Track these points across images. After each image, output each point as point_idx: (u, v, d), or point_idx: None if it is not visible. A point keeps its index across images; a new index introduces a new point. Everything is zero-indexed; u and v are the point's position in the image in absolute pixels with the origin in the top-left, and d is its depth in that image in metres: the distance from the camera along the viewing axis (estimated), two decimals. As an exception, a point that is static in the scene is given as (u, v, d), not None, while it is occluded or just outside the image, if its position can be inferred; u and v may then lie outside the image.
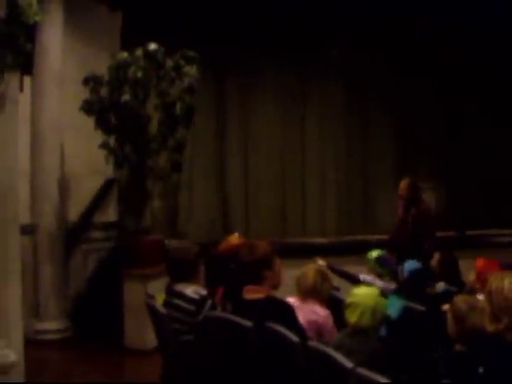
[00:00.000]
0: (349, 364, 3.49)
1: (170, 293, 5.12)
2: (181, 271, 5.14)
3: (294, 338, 3.98)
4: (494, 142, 11.17)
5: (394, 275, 6.52)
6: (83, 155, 8.91)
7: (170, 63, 7.90)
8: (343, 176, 11.21)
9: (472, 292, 5.34)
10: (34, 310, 8.21)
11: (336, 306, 5.03)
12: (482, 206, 11.13)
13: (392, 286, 6.19)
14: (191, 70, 7.91)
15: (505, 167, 11.21)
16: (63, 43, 8.55)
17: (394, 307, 5.26)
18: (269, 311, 4.38)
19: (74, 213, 8.91)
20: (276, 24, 10.28)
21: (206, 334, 4.69)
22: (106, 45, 9.12)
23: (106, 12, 9.29)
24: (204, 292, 5.08)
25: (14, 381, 5.39)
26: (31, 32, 5.36)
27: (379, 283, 6.33)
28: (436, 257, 6.35)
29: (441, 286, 5.89)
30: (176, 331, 4.91)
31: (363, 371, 3.44)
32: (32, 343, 6.63)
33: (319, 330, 4.72)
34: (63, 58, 8.56)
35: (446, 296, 5.40)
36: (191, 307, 4.94)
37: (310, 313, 4.78)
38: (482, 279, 5.39)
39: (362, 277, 6.64)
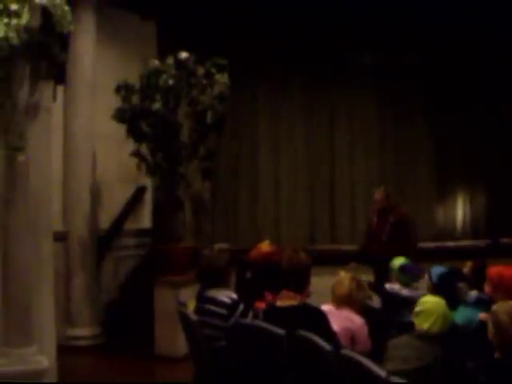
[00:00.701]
0: (382, 373, 3.46)
1: (202, 299, 5.14)
2: (212, 278, 5.17)
3: (327, 346, 3.96)
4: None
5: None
6: (115, 163, 8.99)
7: (201, 71, 7.92)
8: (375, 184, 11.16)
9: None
10: (66, 316, 8.27)
11: (369, 315, 5.01)
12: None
13: (418, 293, 6.14)
14: (222, 78, 7.92)
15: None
16: (95, 52, 8.64)
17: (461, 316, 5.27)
18: (302, 318, 4.39)
19: (106, 220, 8.97)
20: (306, 33, 10.30)
21: (238, 340, 4.69)
22: (138, 53, 9.20)
23: (138, 21, 9.38)
24: (235, 296, 5.09)
25: (46, 387, 5.43)
26: (64, 41, 5.40)
27: (405, 292, 6.30)
28: (469, 265, 6.28)
29: (474, 294, 5.81)
30: (208, 337, 4.92)
31: (396, 380, 3.42)
32: (64, 349, 6.66)
33: (353, 338, 4.69)
34: (95, 66, 8.65)
35: (480, 304, 5.35)
36: (223, 311, 4.96)
37: (345, 320, 4.76)
38: (501, 289, 5.29)
39: (389, 286, 6.61)
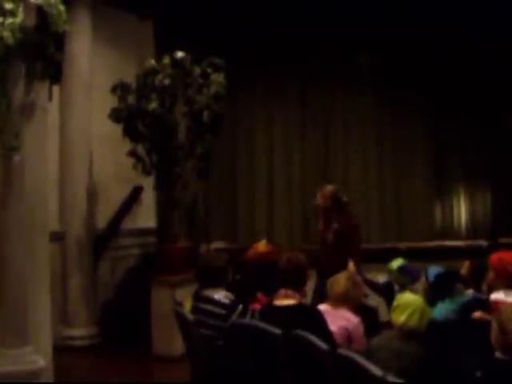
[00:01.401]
0: (378, 372, 3.47)
1: (198, 298, 5.14)
2: (210, 277, 5.17)
3: (324, 345, 3.96)
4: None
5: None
6: (111, 163, 8.99)
7: (197, 71, 7.91)
8: (374, 184, 11.19)
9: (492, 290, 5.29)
10: (62, 316, 8.26)
11: (365, 313, 5.01)
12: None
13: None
14: (218, 78, 7.92)
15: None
16: (91, 52, 8.63)
17: (439, 312, 5.27)
18: (299, 318, 4.40)
19: (102, 220, 8.96)
20: (303, 33, 10.30)
21: (235, 340, 4.70)
22: (134, 53, 9.20)
23: (135, 20, 9.37)
24: (233, 297, 5.10)
25: (42, 387, 5.42)
26: (60, 41, 5.39)
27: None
28: (466, 264, 6.29)
29: (469, 293, 5.82)
30: (204, 337, 4.92)
31: (392, 379, 3.42)
32: (60, 349, 6.65)
33: (349, 337, 4.70)
34: (91, 66, 8.64)
35: (475, 303, 5.36)
36: (222, 311, 4.96)
37: (341, 319, 4.76)
38: (503, 274, 5.30)
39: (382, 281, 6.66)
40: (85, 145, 8.62)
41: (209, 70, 7.97)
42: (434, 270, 6.01)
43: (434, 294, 5.71)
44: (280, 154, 10.92)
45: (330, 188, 7.46)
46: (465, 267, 6.29)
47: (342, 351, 3.90)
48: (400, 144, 11.34)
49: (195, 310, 5.10)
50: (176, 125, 7.88)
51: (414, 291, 6.16)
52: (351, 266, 7.03)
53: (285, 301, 4.65)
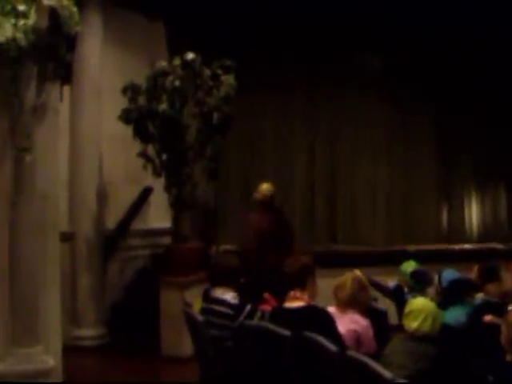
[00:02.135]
0: (388, 374, 3.47)
1: (208, 299, 5.16)
2: (222, 277, 5.19)
3: (333, 347, 3.97)
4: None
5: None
6: (121, 164, 9.00)
7: (207, 72, 7.93)
8: (381, 186, 11.16)
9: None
10: (71, 316, 8.27)
11: (374, 316, 5.01)
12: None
13: None
14: (228, 79, 7.93)
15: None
16: (102, 53, 8.65)
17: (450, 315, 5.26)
18: (308, 320, 4.41)
19: (112, 221, 8.97)
20: (313, 34, 10.29)
21: (245, 341, 4.71)
22: (145, 54, 9.22)
23: (145, 22, 9.38)
24: (242, 298, 5.12)
25: (52, 386, 5.44)
26: (71, 42, 5.42)
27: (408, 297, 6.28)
28: (475, 268, 6.27)
29: (479, 296, 5.81)
30: (214, 338, 4.94)
31: (402, 382, 3.43)
32: (69, 349, 6.66)
33: (358, 340, 4.69)
34: (102, 67, 8.65)
35: (486, 307, 5.35)
36: (230, 311, 4.98)
37: (349, 322, 4.76)
38: None
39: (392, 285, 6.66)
40: (95, 146, 8.64)
41: (219, 72, 7.99)
42: (447, 274, 5.98)
43: (446, 299, 5.70)
44: (289, 154, 10.91)
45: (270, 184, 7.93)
46: (474, 271, 6.27)
47: (352, 353, 3.90)
48: (409, 144, 11.30)
49: (204, 310, 5.12)
50: (186, 126, 7.89)
51: (424, 294, 6.17)
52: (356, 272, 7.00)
53: (294, 302, 4.66)
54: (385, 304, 6.38)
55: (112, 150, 8.87)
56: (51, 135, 5.57)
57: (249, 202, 8.93)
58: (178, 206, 8.02)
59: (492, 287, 5.67)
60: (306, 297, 4.67)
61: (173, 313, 7.60)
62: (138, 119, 7.91)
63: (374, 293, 6.36)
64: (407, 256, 7.75)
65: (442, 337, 4.38)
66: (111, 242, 8.89)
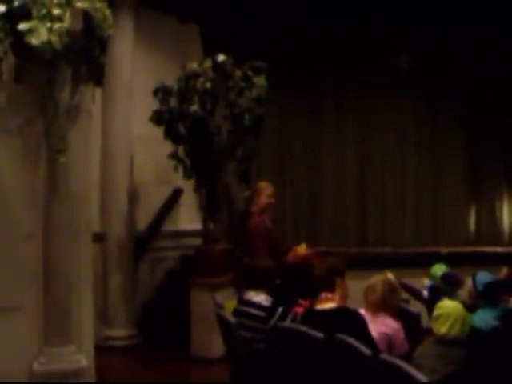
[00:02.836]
0: (422, 377, 3.45)
1: (242, 301, 5.18)
2: (256, 278, 5.20)
3: (366, 350, 3.95)
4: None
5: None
6: (152, 165, 9.06)
7: (238, 74, 7.94)
8: (410, 188, 11.10)
9: None
10: (102, 316, 8.33)
11: (406, 319, 4.98)
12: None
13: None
14: (260, 81, 7.93)
15: None
16: (134, 55, 8.71)
17: (479, 318, 5.22)
18: (341, 322, 4.40)
19: (143, 222, 9.03)
20: (342, 35, 10.28)
21: (277, 343, 4.71)
22: (176, 55, 9.26)
23: (176, 24, 9.44)
24: (274, 300, 5.13)
25: (84, 386, 5.48)
26: (104, 44, 5.46)
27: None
28: (504, 271, 6.21)
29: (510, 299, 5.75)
30: (246, 340, 4.95)
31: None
32: (101, 349, 6.71)
33: (390, 343, 4.67)
34: (133, 69, 8.71)
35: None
36: (262, 313, 4.99)
37: (380, 325, 4.74)
38: None
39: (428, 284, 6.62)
40: (126, 147, 8.70)
41: (250, 73, 7.99)
42: (482, 277, 5.91)
43: (481, 303, 5.63)
44: (319, 155, 10.89)
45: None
46: (503, 273, 6.21)
47: (385, 357, 3.89)
48: (438, 145, 11.22)
49: (236, 312, 5.13)
50: (217, 128, 7.91)
51: (454, 297, 6.12)
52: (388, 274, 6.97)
53: (326, 304, 4.66)
54: (417, 306, 6.34)
55: (143, 152, 8.93)
56: (84, 137, 5.61)
57: (281, 203, 8.97)
58: (209, 207, 8.04)
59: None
60: (336, 297, 4.68)
61: (203, 314, 7.62)
62: (169, 121, 7.95)
63: (405, 294, 6.34)
64: (439, 258, 7.70)
65: (471, 340, 4.35)
66: (142, 242, 8.94)
